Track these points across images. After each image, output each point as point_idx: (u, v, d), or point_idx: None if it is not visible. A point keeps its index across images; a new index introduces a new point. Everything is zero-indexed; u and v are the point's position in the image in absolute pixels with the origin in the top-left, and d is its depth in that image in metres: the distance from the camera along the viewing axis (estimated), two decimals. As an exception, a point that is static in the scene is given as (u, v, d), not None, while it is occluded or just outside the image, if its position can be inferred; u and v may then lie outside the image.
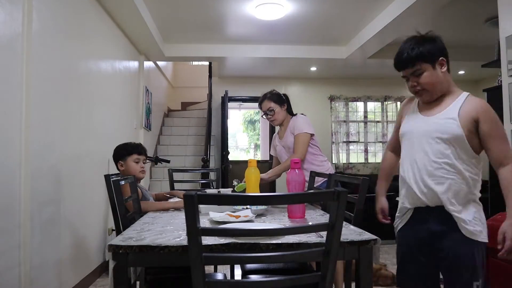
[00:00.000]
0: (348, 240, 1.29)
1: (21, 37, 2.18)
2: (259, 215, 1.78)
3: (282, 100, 2.63)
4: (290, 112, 2.70)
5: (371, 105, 7.28)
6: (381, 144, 7.10)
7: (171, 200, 2.36)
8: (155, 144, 6.15)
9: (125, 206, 1.87)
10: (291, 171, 1.78)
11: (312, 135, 2.54)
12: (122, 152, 2.33)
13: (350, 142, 7.03)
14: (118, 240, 1.27)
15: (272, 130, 7.00)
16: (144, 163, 2.39)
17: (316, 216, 1.84)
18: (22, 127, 2.19)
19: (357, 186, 1.89)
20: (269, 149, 7.35)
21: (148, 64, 5.41)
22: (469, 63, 5.83)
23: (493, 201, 3.29)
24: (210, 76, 6.77)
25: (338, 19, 4.28)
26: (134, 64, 4.72)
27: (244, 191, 2.26)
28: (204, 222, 1.63)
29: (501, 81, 2.90)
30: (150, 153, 4.97)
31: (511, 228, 1.43)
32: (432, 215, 1.54)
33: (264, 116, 2.70)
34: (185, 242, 1.22)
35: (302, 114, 2.67)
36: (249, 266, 1.96)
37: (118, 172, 2.40)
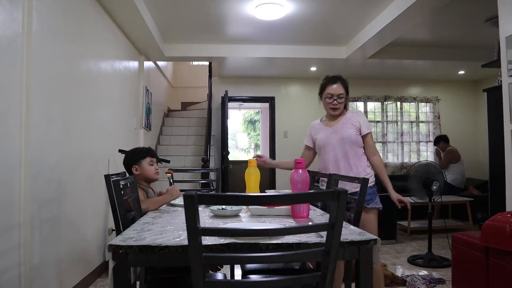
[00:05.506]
0: (348, 240, 1.29)
1: (21, 37, 2.18)
2: (259, 215, 1.78)
3: (348, 91, 2.46)
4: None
5: (371, 105, 7.28)
6: (381, 144, 7.09)
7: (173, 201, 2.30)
8: (155, 144, 6.15)
9: (125, 206, 1.87)
10: (294, 170, 1.78)
11: None
12: (136, 157, 2.34)
13: (350, 142, 7.02)
14: (118, 240, 1.27)
15: (272, 131, 6.98)
16: (156, 164, 2.44)
17: (316, 216, 1.84)
18: (22, 127, 2.19)
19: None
20: (269, 150, 7.38)
21: (148, 64, 5.41)
22: (469, 63, 5.83)
23: (493, 201, 3.30)
24: (210, 76, 6.77)
25: (338, 19, 4.28)
26: (134, 64, 4.72)
27: None
28: (204, 223, 1.63)
29: (501, 81, 2.90)
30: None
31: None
32: None
33: (326, 99, 2.41)
34: (185, 242, 1.22)
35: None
36: (249, 266, 1.96)
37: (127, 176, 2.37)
